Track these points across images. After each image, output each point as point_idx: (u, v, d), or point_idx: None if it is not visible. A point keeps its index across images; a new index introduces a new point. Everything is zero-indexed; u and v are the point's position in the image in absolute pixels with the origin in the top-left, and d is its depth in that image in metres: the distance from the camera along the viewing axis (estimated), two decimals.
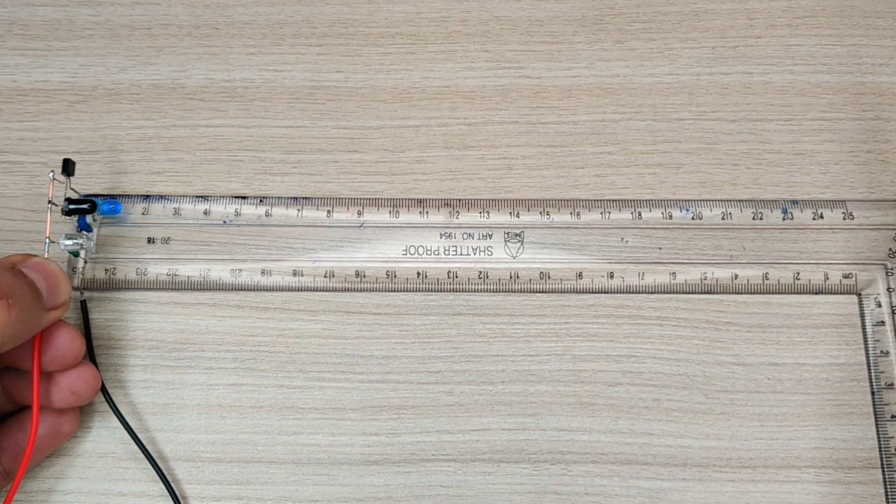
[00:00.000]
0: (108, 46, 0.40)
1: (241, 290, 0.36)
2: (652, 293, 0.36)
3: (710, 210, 0.37)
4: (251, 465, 0.34)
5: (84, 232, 0.36)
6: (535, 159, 0.38)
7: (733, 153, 0.38)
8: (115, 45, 0.40)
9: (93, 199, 0.35)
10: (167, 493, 0.33)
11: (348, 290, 0.36)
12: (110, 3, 0.41)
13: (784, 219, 0.37)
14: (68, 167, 0.34)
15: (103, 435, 0.34)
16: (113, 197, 0.37)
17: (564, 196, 0.38)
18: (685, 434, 0.35)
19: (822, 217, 0.37)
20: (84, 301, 0.35)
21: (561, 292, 0.36)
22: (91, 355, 0.35)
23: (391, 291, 0.36)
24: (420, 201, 0.37)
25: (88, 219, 0.36)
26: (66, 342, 0.32)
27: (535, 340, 0.36)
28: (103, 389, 0.34)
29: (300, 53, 0.40)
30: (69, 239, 0.34)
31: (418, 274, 0.36)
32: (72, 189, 0.35)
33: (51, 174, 0.34)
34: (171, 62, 0.40)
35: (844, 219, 0.37)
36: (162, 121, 0.39)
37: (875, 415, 0.35)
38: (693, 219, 0.37)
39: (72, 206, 0.35)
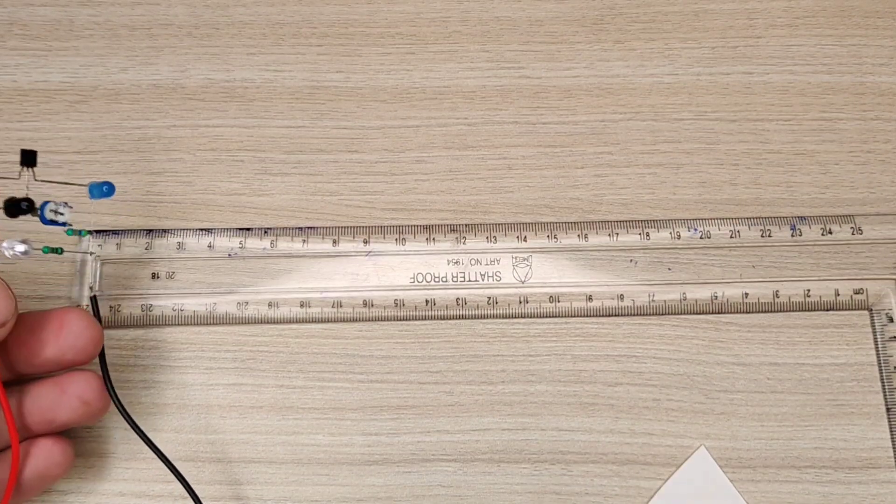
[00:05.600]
0: (108, 46, 0.40)
1: (248, 323, 0.36)
2: (663, 314, 0.36)
3: (718, 229, 0.37)
4: (251, 465, 0.34)
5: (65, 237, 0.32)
6: (535, 159, 0.38)
7: (733, 153, 0.38)
8: (115, 45, 0.40)
9: (29, 199, 0.31)
10: (167, 494, 0.33)
11: (357, 319, 0.36)
12: (110, 3, 0.41)
13: (792, 235, 0.37)
14: (28, 158, 0.31)
15: (103, 435, 0.34)
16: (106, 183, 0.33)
17: (564, 195, 0.38)
18: (685, 434, 0.35)
19: (830, 233, 0.37)
20: (94, 297, 0.34)
21: (571, 316, 0.36)
22: (101, 354, 0.33)
23: (400, 320, 0.36)
24: (426, 227, 0.37)
25: (53, 215, 0.31)
26: (83, 328, 0.29)
27: (535, 340, 0.36)
28: (112, 392, 0.33)
29: (300, 53, 0.40)
30: (21, 244, 0.30)
31: (427, 301, 0.36)
32: (43, 181, 0.32)
33: None
34: (171, 62, 0.40)
35: (853, 234, 0.37)
36: (162, 121, 0.39)
37: (891, 429, 0.34)
38: (701, 238, 0.37)
39: (8, 206, 0.30)
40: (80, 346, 0.30)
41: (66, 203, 0.31)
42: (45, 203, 0.31)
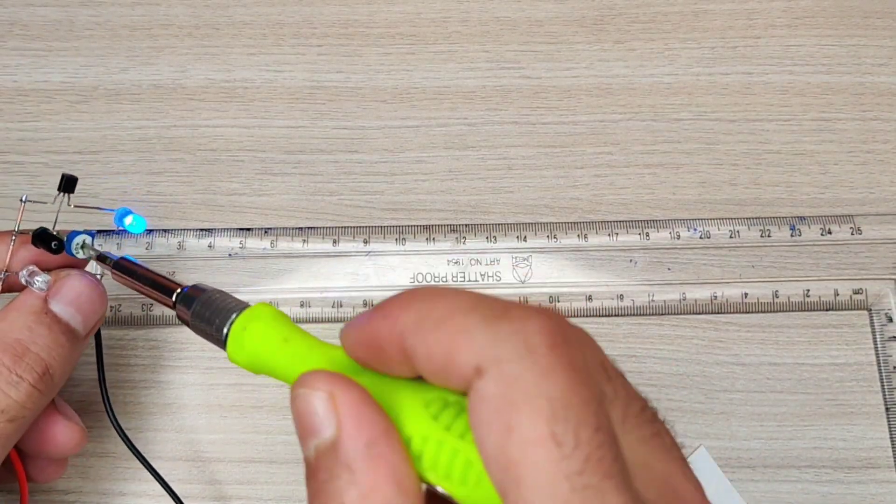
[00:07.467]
0: (108, 46, 0.40)
1: None
2: (663, 314, 0.36)
3: (718, 229, 0.37)
4: (251, 465, 0.34)
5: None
6: (535, 159, 0.38)
7: (733, 153, 0.38)
8: (115, 45, 0.40)
9: (59, 237, 0.29)
10: (167, 494, 0.33)
11: None
12: (110, 3, 0.41)
13: (792, 235, 0.37)
14: (68, 184, 0.29)
15: (103, 435, 0.34)
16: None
17: (564, 195, 0.38)
18: (685, 434, 0.35)
19: (829, 233, 0.37)
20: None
21: (571, 316, 0.36)
22: (100, 365, 0.33)
23: None
24: (426, 227, 0.37)
25: (78, 252, 0.30)
26: (64, 436, 0.29)
27: None
28: (107, 405, 0.32)
29: (300, 53, 0.40)
30: (40, 278, 0.28)
31: None
32: (79, 207, 0.30)
33: (23, 199, 0.29)
34: (171, 62, 0.40)
35: (852, 234, 0.37)
36: (162, 121, 0.39)
37: (889, 429, 0.34)
38: (701, 238, 0.37)
39: (37, 238, 0.29)
40: (52, 450, 0.30)
41: (94, 236, 0.30)
42: (73, 234, 0.30)
